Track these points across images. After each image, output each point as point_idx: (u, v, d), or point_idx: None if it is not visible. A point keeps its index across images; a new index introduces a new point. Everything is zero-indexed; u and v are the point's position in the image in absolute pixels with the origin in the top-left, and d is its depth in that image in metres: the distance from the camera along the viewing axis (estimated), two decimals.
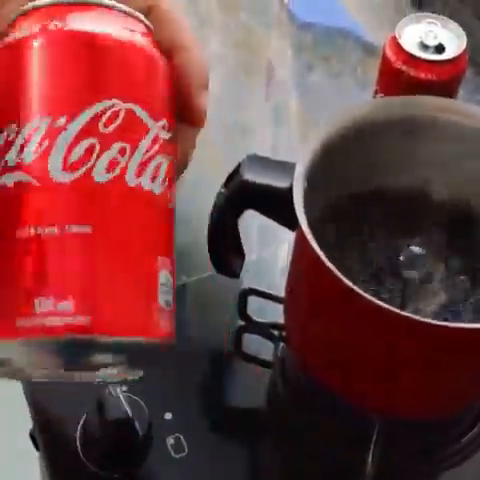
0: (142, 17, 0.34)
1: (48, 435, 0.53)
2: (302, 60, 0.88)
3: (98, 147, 0.30)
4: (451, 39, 0.63)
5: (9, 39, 0.32)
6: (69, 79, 0.31)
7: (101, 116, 0.31)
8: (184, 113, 0.35)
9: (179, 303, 0.60)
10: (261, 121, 0.82)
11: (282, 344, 0.56)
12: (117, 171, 0.30)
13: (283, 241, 0.62)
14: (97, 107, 0.31)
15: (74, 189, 0.30)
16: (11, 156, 0.30)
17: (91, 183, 0.30)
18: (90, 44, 0.32)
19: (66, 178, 0.30)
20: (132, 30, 0.33)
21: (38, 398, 0.54)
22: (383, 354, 0.45)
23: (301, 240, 0.45)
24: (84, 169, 0.30)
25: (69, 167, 0.30)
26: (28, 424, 0.55)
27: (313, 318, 0.50)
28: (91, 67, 0.32)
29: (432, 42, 0.62)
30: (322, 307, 0.48)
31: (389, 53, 0.63)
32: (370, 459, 0.49)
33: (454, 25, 0.63)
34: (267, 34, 0.90)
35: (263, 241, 0.62)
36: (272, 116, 0.84)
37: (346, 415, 0.51)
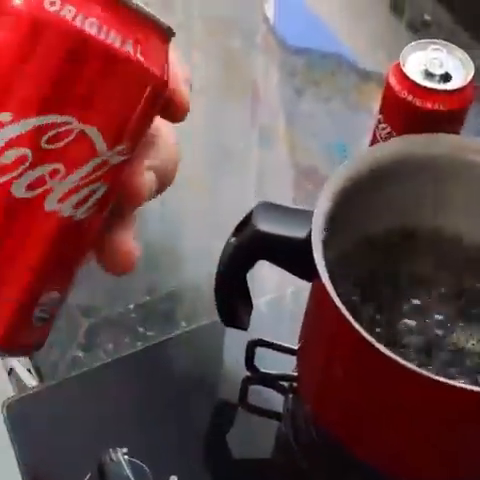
0: (169, 28, 0.30)
1: None
2: (291, 84, 0.86)
3: (30, 161, 0.27)
4: (457, 67, 0.60)
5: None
6: (33, 78, 0.27)
7: (48, 130, 0.27)
8: (165, 108, 0.31)
9: (178, 353, 0.57)
10: (247, 145, 0.79)
11: (291, 396, 0.53)
12: (38, 191, 0.28)
13: (286, 287, 0.59)
14: (48, 119, 0.27)
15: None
16: None
17: (6, 194, 0.28)
18: (72, 46, 0.27)
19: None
20: (124, 39, 0.28)
21: (32, 464, 0.50)
22: (399, 413, 0.42)
23: (319, 291, 0.42)
24: (5, 178, 0.27)
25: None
26: None
27: (329, 371, 0.47)
28: (62, 73, 0.27)
29: (438, 70, 0.60)
30: (339, 360, 0.45)
31: (393, 82, 0.60)
32: None
33: (460, 52, 0.61)
34: (254, 58, 0.88)
35: (265, 287, 0.59)
36: (259, 141, 0.81)
37: (360, 473, 0.48)
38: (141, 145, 0.30)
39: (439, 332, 0.45)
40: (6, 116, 0.27)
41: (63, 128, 0.27)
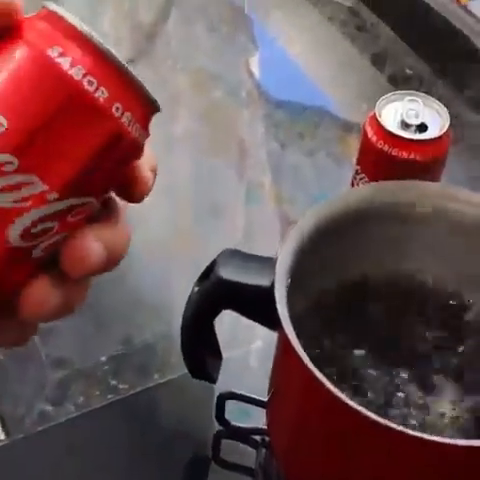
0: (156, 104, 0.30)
1: None
2: (276, 138, 0.86)
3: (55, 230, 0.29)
4: (434, 117, 0.60)
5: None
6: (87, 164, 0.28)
7: (76, 207, 0.29)
8: (127, 188, 0.31)
9: (150, 406, 0.56)
10: (234, 200, 0.79)
11: (264, 450, 0.52)
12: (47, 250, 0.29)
13: (255, 338, 0.58)
14: (82, 200, 0.29)
15: (17, 254, 0.29)
16: None
17: (29, 256, 0.29)
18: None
19: (17, 244, 0.28)
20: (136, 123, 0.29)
21: None
22: (375, 470, 0.41)
23: (284, 342, 0.41)
24: (31, 244, 0.29)
25: (24, 237, 0.29)
26: None
27: (299, 424, 0.45)
28: (103, 158, 0.29)
29: (414, 121, 0.60)
30: (308, 412, 0.44)
31: (369, 132, 0.60)
32: None
33: (436, 103, 0.61)
34: (239, 112, 0.89)
35: (234, 339, 0.58)
36: (245, 195, 0.81)
37: None
38: (96, 209, 0.30)
39: (397, 382, 0.44)
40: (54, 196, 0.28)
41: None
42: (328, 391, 0.38)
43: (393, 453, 0.40)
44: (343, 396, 0.38)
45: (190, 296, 0.44)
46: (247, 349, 0.57)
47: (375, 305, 0.46)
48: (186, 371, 0.49)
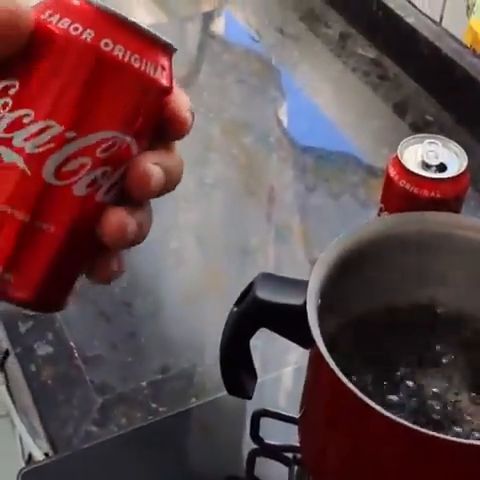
0: (172, 46, 0.35)
1: None
2: (303, 181, 0.90)
3: (89, 166, 0.34)
4: (452, 158, 0.64)
5: (69, 27, 0.33)
6: (90, 103, 0.34)
7: (102, 143, 0.34)
8: (167, 128, 0.36)
9: (187, 426, 0.59)
10: (264, 242, 0.82)
11: (296, 467, 0.55)
12: (91, 189, 0.34)
13: (287, 364, 0.62)
14: (102, 135, 0.34)
15: (53, 193, 0.34)
16: (18, 137, 0.33)
17: (68, 193, 0.34)
18: (128, 78, 0.34)
19: (51, 182, 0.34)
20: (149, 63, 0.34)
21: None
22: (405, 475, 0.44)
23: (317, 358, 0.44)
24: (69, 181, 0.34)
25: (58, 175, 0.34)
26: None
27: (330, 438, 0.48)
28: (112, 98, 0.34)
29: (434, 161, 0.63)
30: (340, 426, 0.47)
31: (392, 172, 0.64)
32: None
33: (454, 144, 0.65)
34: (268, 157, 0.93)
35: (268, 363, 0.62)
36: (274, 237, 0.85)
37: None
38: (152, 141, 0.35)
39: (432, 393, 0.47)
40: (71, 134, 0.33)
41: (111, 140, 0.34)
42: (359, 400, 0.41)
43: (428, 459, 0.42)
44: (373, 403, 0.41)
45: (229, 316, 0.48)
46: (279, 372, 0.61)
47: (401, 326, 0.50)
48: (221, 394, 0.53)
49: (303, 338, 0.45)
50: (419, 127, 0.91)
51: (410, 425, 0.40)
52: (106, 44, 0.34)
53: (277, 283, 0.47)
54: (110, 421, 0.60)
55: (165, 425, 0.58)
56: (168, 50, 0.35)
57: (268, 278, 0.47)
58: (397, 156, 0.64)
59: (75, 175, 0.34)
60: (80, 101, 0.34)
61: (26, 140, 0.33)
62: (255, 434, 0.55)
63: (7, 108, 0.34)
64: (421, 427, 0.42)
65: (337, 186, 0.89)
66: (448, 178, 0.62)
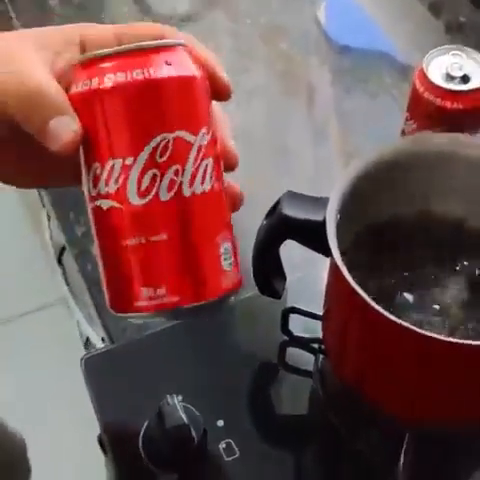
0: (180, 41, 0.42)
1: (114, 440, 0.60)
2: (341, 83, 0.93)
3: (159, 175, 0.40)
4: (476, 70, 0.68)
5: (81, 87, 0.41)
6: (128, 125, 0.40)
7: (156, 150, 0.40)
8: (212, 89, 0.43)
9: (227, 321, 0.66)
10: (303, 142, 0.87)
11: (321, 356, 0.62)
12: (175, 188, 0.41)
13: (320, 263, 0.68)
14: (152, 144, 0.40)
15: (148, 209, 0.41)
16: (101, 186, 0.41)
17: (158, 203, 0.41)
18: (139, 92, 0.40)
19: (140, 202, 0.40)
20: (170, 63, 0.40)
21: (105, 408, 0.61)
22: (408, 370, 0.51)
23: (334, 268, 0.51)
24: (152, 194, 0.40)
25: (141, 194, 0.40)
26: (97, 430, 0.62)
27: (346, 336, 0.55)
28: (142, 112, 0.40)
29: (457, 73, 0.67)
30: (353, 328, 0.54)
31: (417, 84, 0.68)
32: (401, 464, 0.55)
33: (478, 56, 0.68)
34: (307, 59, 0.96)
35: (302, 262, 0.68)
36: (313, 137, 0.89)
37: (379, 422, 0.57)
38: (214, 123, 0.42)
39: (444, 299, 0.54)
40: (130, 160, 0.40)
41: (162, 143, 0.40)
42: (367, 304, 0.48)
43: (422, 356, 0.49)
44: (379, 308, 0.47)
45: (259, 228, 0.55)
46: (307, 274, 0.67)
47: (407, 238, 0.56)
48: (256, 292, 0.60)
49: (324, 249, 0.51)
50: (453, 29, 0.93)
51: (411, 327, 0.47)
52: (108, 80, 0.40)
53: (301, 201, 0.53)
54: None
55: (208, 319, 0.66)
56: (165, 48, 0.41)
57: (293, 196, 0.53)
58: (422, 68, 0.68)
59: (153, 187, 0.40)
60: (117, 133, 0.40)
61: (106, 185, 0.40)
62: (285, 328, 0.63)
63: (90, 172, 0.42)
64: (423, 329, 0.49)
65: (373, 87, 0.92)
66: (469, 90, 0.66)
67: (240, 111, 0.89)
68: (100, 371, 0.63)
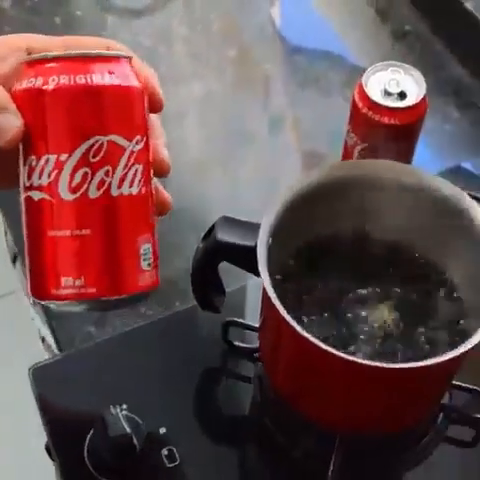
0: (123, 54, 0.45)
1: (61, 448, 0.63)
2: (295, 79, 0.95)
3: (90, 173, 0.43)
4: (412, 86, 0.70)
5: (25, 85, 0.43)
6: (66, 124, 0.43)
7: (90, 150, 0.43)
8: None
9: (172, 328, 0.68)
10: (260, 130, 0.89)
11: (260, 364, 0.65)
12: (104, 188, 0.43)
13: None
14: (87, 144, 0.43)
15: (76, 205, 0.43)
16: (35, 178, 0.43)
17: (87, 199, 0.43)
18: (80, 95, 0.43)
19: (70, 197, 0.43)
20: (113, 72, 0.43)
21: (52, 417, 0.64)
22: (331, 387, 0.54)
23: (265, 292, 0.54)
24: (82, 190, 0.43)
25: (72, 189, 0.43)
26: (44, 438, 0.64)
27: (277, 351, 0.59)
28: (81, 114, 0.43)
29: (395, 89, 0.69)
30: (282, 345, 0.57)
31: (357, 99, 0.70)
32: (331, 467, 0.58)
33: (416, 72, 0.71)
34: (262, 57, 0.97)
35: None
36: (269, 126, 0.91)
37: (310, 426, 0.60)
38: (149, 133, 0.45)
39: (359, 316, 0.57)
40: (64, 156, 0.43)
41: (96, 145, 0.43)
42: (294, 330, 0.51)
43: (342, 375, 0.52)
44: (299, 328, 0.50)
45: (196, 251, 0.57)
46: (244, 285, 0.69)
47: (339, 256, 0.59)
48: None
49: (256, 271, 0.54)
50: (398, 38, 0.95)
51: (315, 341, 0.49)
52: (52, 81, 0.42)
53: (235, 225, 0.55)
54: (108, 323, 0.70)
55: (152, 327, 0.69)
56: (109, 58, 0.44)
57: (228, 221, 0.56)
58: (361, 84, 0.70)
59: (83, 184, 0.43)
60: (55, 130, 0.43)
61: (40, 177, 0.43)
62: (226, 339, 0.66)
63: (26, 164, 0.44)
64: (347, 349, 0.52)
65: (326, 85, 0.94)
66: (405, 107, 0.69)
67: (203, 92, 0.90)
68: (48, 381, 0.65)
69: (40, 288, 0.45)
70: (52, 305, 0.45)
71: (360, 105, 0.70)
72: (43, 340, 0.92)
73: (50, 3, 0.96)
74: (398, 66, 0.71)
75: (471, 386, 0.63)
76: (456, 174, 0.84)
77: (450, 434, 0.64)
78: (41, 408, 0.64)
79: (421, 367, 0.50)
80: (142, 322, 0.70)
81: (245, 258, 0.54)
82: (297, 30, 1.02)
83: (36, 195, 0.44)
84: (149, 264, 0.46)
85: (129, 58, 0.45)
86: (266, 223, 0.54)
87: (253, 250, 0.53)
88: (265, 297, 0.55)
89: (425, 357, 0.54)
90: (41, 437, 0.64)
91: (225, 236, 0.55)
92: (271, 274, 0.53)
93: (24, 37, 0.46)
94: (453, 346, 0.52)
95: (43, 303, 0.45)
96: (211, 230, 0.56)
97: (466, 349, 0.51)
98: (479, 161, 0.86)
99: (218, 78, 0.93)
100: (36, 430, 0.64)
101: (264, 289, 0.56)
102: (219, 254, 0.56)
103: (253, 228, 0.55)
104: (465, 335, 0.53)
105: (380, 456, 0.62)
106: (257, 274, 0.55)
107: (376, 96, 0.70)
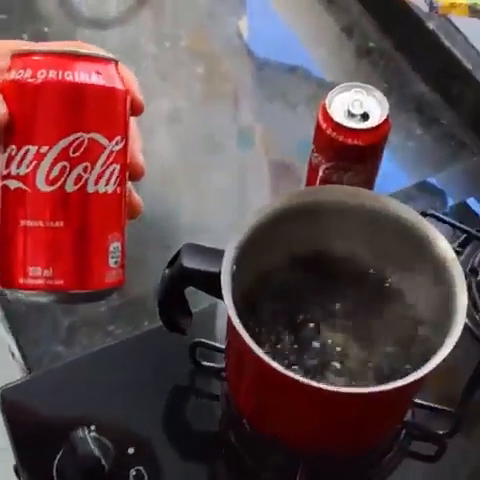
0: (111, 56, 0.46)
1: (29, 469, 0.63)
2: (263, 92, 0.96)
3: (68, 167, 0.44)
4: (375, 107, 0.71)
5: (14, 76, 0.44)
6: (50, 118, 0.44)
7: (71, 145, 0.44)
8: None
9: (141, 347, 0.69)
10: (229, 142, 0.90)
11: (225, 383, 0.66)
12: (81, 183, 0.45)
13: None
14: (68, 139, 0.44)
15: (52, 197, 0.44)
16: (13, 167, 0.44)
17: (63, 193, 0.45)
18: (66, 91, 0.44)
19: (47, 189, 0.44)
20: (100, 73, 0.45)
21: (21, 438, 0.64)
22: (292, 410, 0.55)
23: (229, 318, 0.55)
24: (59, 184, 0.44)
25: (49, 181, 0.44)
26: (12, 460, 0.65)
27: (240, 374, 0.60)
28: (65, 109, 0.44)
29: (358, 110, 0.71)
30: (244, 369, 0.58)
31: (321, 120, 0.71)
32: None
33: (378, 93, 0.72)
34: (232, 67, 0.98)
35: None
36: (238, 138, 0.92)
37: (275, 445, 0.62)
38: (129, 136, 0.47)
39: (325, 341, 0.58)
40: (45, 148, 0.44)
41: (78, 140, 0.44)
42: (257, 356, 0.52)
43: (290, 395, 0.53)
44: (261, 353, 0.51)
45: (162, 276, 0.58)
46: (212, 306, 0.70)
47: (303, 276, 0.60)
48: None
49: (220, 295, 0.55)
50: (362, 54, 0.96)
51: (277, 366, 0.50)
52: (40, 75, 0.44)
53: (200, 252, 0.56)
54: (77, 343, 0.71)
55: (121, 346, 0.69)
56: (98, 59, 0.45)
57: (193, 248, 0.57)
58: (325, 105, 0.71)
59: (61, 177, 0.44)
60: (38, 122, 0.44)
61: (18, 167, 0.44)
62: (193, 359, 0.67)
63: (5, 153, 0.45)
64: (309, 375, 0.53)
65: (293, 99, 0.95)
66: (368, 128, 0.70)
67: (173, 102, 0.91)
68: (16, 402, 0.66)
69: (8, 276, 0.45)
70: (20, 295, 0.46)
71: (324, 126, 0.71)
72: (13, 355, 0.92)
73: (18, 20, 0.96)
74: (361, 87, 0.73)
75: (432, 404, 0.64)
76: (422, 189, 0.86)
77: (413, 449, 0.66)
78: (9, 429, 0.64)
79: (381, 392, 0.51)
80: (111, 341, 0.70)
81: (211, 284, 0.55)
82: (264, 44, 1.03)
83: (13, 184, 0.44)
84: (116, 262, 0.47)
85: (116, 61, 0.46)
86: (230, 251, 0.55)
87: (218, 276, 0.54)
88: (229, 323, 0.56)
89: (387, 378, 0.56)
90: (10, 458, 0.65)
91: (191, 263, 0.56)
92: (235, 301, 0.54)
93: (12, 43, 0.49)
94: (415, 366, 0.53)
95: (10, 292, 0.46)
96: (177, 256, 0.57)
97: (428, 371, 0.52)
98: (443, 176, 0.88)
99: (187, 92, 0.94)
100: (4, 451, 0.65)
101: (229, 315, 0.57)
102: (185, 280, 0.57)
103: (218, 255, 0.56)
104: (426, 352, 0.54)
105: (346, 473, 0.63)
106: (221, 298, 0.56)
107: (339, 117, 0.71)
